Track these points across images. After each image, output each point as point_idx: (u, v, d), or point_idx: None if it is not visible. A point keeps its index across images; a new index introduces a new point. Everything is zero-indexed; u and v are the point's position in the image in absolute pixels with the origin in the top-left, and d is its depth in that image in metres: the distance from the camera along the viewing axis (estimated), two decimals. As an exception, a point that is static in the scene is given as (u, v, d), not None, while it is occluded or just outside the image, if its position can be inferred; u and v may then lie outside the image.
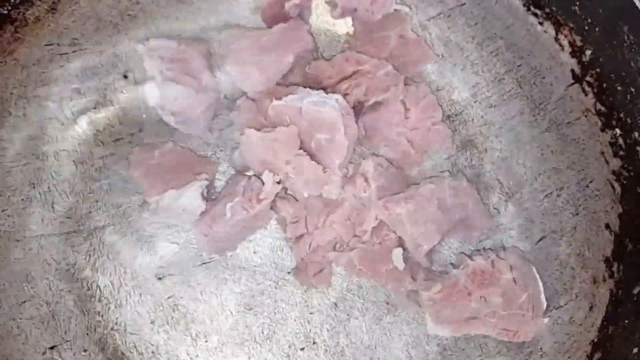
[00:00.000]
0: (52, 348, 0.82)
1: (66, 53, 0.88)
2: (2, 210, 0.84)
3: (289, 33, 0.86)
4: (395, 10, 0.91)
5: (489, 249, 0.88)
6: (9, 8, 0.86)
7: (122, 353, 0.84)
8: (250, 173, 0.87)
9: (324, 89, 0.85)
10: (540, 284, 0.84)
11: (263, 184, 0.84)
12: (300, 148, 0.83)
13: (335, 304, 0.87)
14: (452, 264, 0.88)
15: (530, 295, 0.82)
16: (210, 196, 0.87)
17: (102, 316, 0.84)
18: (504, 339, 0.84)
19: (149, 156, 0.86)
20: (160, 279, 0.86)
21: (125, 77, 0.89)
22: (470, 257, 0.86)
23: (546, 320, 0.83)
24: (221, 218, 0.83)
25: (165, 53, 0.86)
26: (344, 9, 0.89)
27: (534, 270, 0.84)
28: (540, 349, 0.86)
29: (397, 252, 0.83)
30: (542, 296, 0.83)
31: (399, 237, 0.85)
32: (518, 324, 0.82)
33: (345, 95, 0.86)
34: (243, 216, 0.83)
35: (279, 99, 0.82)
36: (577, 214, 0.89)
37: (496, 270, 0.83)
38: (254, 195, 0.83)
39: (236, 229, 0.85)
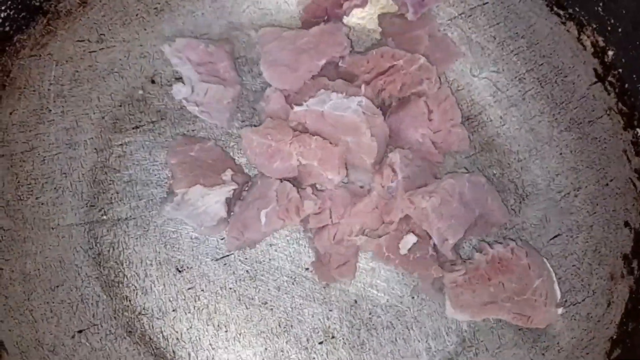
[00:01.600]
0: (80, 332, 0.83)
1: (94, 51, 0.90)
2: (37, 198, 0.86)
3: (326, 36, 0.88)
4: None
5: (509, 238, 0.90)
6: (41, 0, 0.89)
7: (150, 338, 0.85)
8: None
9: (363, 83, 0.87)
10: (553, 274, 0.85)
11: (296, 187, 0.84)
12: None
13: (356, 301, 0.88)
14: (474, 248, 0.89)
15: (544, 282, 0.84)
16: (234, 202, 0.88)
17: (129, 301, 0.86)
18: (519, 324, 0.85)
19: (189, 148, 0.87)
20: (180, 271, 0.87)
21: (153, 82, 0.91)
22: (490, 245, 0.88)
23: (560, 310, 0.84)
24: (254, 224, 0.84)
25: (193, 54, 0.88)
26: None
27: (546, 261, 0.87)
28: (558, 343, 0.86)
29: (409, 239, 0.84)
30: (556, 286, 0.85)
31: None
32: (532, 309, 0.84)
33: (382, 90, 0.88)
34: (280, 225, 0.84)
35: (299, 104, 0.83)
36: (595, 213, 0.90)
37: (515, 257, 0.85)
38: (292, 205, 0.83)
39: (267, 234, 0.87)
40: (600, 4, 0.89)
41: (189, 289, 0.87)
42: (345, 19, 0.94)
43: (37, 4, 0.89)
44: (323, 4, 0.91)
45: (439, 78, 0.89)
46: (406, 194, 0.84)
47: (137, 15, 0.92)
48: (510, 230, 0.90)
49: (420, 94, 0.88)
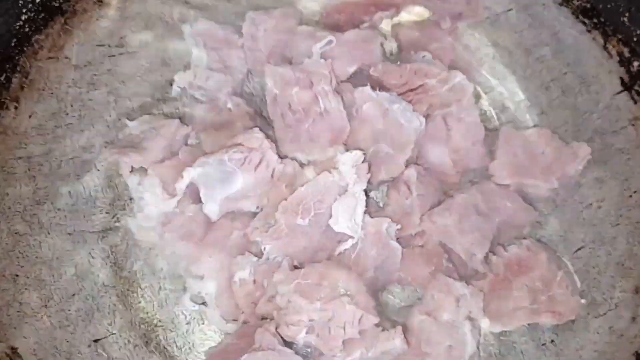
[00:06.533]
0: (96, 341, 0.82)
1: (114, 55, 0.89)
2: (52, 203, 0.85)
3: (360, 43, 0.85)
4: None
5: (523, 238, 0.87)
6: (61, 1, 0.89)
7: (164, 347, 0.83)
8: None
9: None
10: (570, 264, 0.86)
11: None
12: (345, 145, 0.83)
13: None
14: (492, 251, 0.85)
15: (565, 273, 0.83)
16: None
17: (146, 313, 0.83)
18: (554, 322, 0.83)
19: None
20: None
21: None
22: (505, 247, 0.85)
23: (583, 300, 0.84)
24: None
25: (210, 39, 0.87)
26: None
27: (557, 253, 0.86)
28: (580, 356, 0.85)
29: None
30: (575, 276, 0.85)
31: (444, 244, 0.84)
32: (560, 303, 0.82)
33: None
34: None
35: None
36: (618, 224, 0.89)
37: (532, 253, 0.84)
38: None
39: None
40: (627, 15, 0.88)
41: (203, 303, 0.83)
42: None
43: (57, 4, 0.88)
44: (351, 9, 0.88)
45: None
46: (426, 214, 0.83)
47: (160, 19, 0.91)
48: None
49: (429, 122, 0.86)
